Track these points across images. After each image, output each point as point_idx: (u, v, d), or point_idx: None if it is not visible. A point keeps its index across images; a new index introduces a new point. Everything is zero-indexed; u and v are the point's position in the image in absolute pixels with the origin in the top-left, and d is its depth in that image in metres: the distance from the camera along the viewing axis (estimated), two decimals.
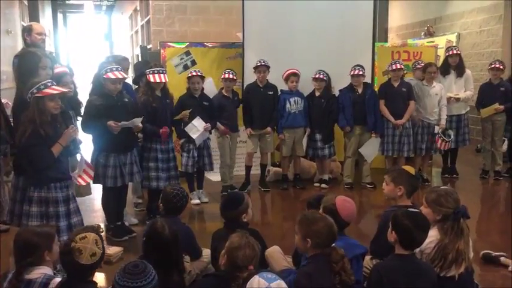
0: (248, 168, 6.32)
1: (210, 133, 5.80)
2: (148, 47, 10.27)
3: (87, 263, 2.34)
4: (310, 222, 2.66)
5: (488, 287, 3.51)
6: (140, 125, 4.52)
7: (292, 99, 6.27)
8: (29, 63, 3.70)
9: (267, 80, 6.22)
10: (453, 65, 6.79)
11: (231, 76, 5.91)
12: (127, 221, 4.88)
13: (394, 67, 6.35)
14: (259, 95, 6.17)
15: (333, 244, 2.62)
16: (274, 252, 3.29)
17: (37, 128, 3.32)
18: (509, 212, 5.65)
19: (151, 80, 4.95)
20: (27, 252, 2.55)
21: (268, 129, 6.25)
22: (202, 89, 5.74)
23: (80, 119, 4.60)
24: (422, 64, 6.70)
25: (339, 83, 6.46)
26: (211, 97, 5.91)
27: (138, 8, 12.82)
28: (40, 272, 2.56)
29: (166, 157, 5.08)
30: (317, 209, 3.11)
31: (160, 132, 4.96)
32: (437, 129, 6.51)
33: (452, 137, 6.58)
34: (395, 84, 6.38)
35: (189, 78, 5.68)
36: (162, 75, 4.98)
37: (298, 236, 2.70)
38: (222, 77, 5.96)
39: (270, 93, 6.22)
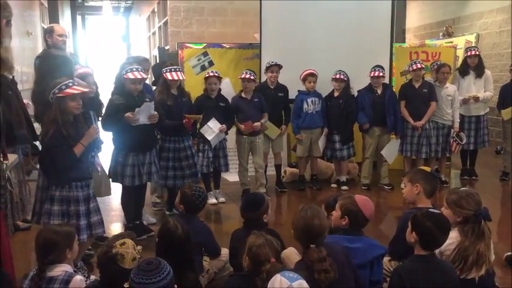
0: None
1: (226, 134, 5.80)
2: (166, 48, 10.33)
3: (130, 267, 2.37)
4: (298, 212, 2.72)
5: None
6: (154, 112, 4.48)
7: (309, 100, 6.25)
8: (54, 65, 3.75)
9: (277, 80, 6.19)
10: (472, 65, 6.71)
11: (247, 76, 5.81)
12: (145, 220, 4.92)
13: (414, 67, 6.29)
14: (269, 97, 6.09)
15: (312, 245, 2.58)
16: (291, 253, 3.29)
17: (59, 128, 3.37)
18: None
19: (168, 77, 5.00)
20: (49, 250, 2.60)
21: (284, 127, 6.25)
22: (219, 90, 5.75)
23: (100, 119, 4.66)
24: (438, 64, 6.62)
25: (357, 84, 6.44)
26: (228, 98, 5.92)
27: (156, 10, 12.91)
28: (61, 269, 2.61)
29: (178, 156, 5.10)
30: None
31: (184, 122, 4.99)
32: (452, 132, 6.45)
33: (464, 139, 6.51)
34: (417, 85, 6.32)
35: (206, 78, 5.69)
36: (178, 73, 5.03)
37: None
38: (240, 76, 5.90)
39: (281, 94, 6.18)
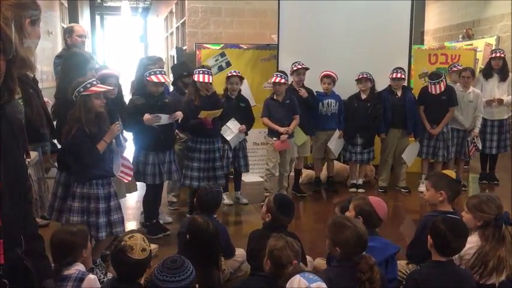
0: None
1: (246, 134, 5.79)
2: (184, 48, 10.38)
3: (140, 257, 2.39)
4: (338, 230, 2.59)
5: None
6: (177, 115, 4.57)
7: (325, 101, 6.20)
8: (76, 63, 3.79)
9: (303, 83, 6.09)
10: (496, 68, 6.61)
11: (278, 79, 5.63)
12: (161, 219, 4.94)
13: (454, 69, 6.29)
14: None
15: (364, 252, 2.55)
16: (320, 264, 3.30)
17: (82, 126, 3.41)
18: None
19: (196, 79, 5.02)
20: (67, 252, 2.63)
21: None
22: (240, 90, 5.74)
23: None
24: (459, 67, 6.53)
25: (376, 86, 6.38)
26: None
27: (174, 10, 13.00)
28: (75, 268, 2.64)
29: (207, 157, 5.11)
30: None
31: (203, 120, 4.97)
32: (471, 137, 6.38)
33: (480, 145, 6.45)
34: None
35: (228, 78, 5.68)
36: (206, 75, 5.00)
37: (328, 242, 2.68)
38: (271, 81, 5.75)
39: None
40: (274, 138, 5.75)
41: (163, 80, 4.50)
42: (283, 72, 5.87)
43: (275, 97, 5.78)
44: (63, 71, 3.91)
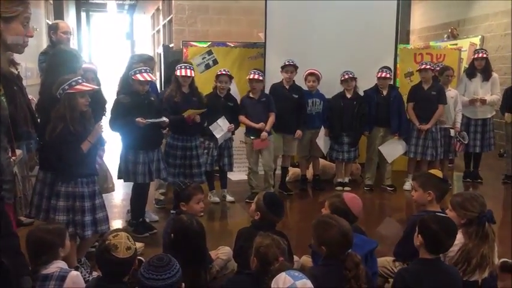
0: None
1: (233, 134, 5.79)
2: (171, 46, 10.33)
3: (124, 256, 2.38)
4: (323, 229, 2.61)
5: None
6: (166, 120, 4.59)
7: (310, 100, 6.22)
8: (63, 60, 3.75)
9: (293, 81, 6.09)
10: (479, 68, 6.69)
11: (255, 76, 5.68)
12: (148, 218, 4.92)
13: (421, 67, 6.27)
14: (282, 97, 5.98)
15: (349, 250, 2.57)
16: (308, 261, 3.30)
17: (67, 124, 3.37)
18: None
19: (178, 73, 5.05)
20: (42, 250, 2.60)
21: (299, 132, 6.07)
22: (229, 89, 5.73)
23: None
24: (427, 66, 6.34)
25: (361, 84, 6.41)
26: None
27: (160, 8, 12.93)
28: (56, 266, 2.60)
29: (184, 154, 5.16)
30: None
31: (186, 117, 5.00)
32: (453, 132, 6.45)
33: (467, 138, 6.50)
34: (426, 87, 6.30)
35: (217, 76, 5.66)
36: (188, 70, 5.07)
37: (314, 241, 2.69)
38: (248, 77, 5.78)
39: (295, 96, 6.02)
40: (252, 137, 5.77)
41: (149, 79, 4.47)
42: (260, 70, 5.88)
43: (251, 95, 5.79)
44: (48, 67, 3.86)
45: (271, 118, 5.78)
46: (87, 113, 3.56)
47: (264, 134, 5.68)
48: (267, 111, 5.79)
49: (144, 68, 4.49)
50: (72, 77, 3.43)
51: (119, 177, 4.62)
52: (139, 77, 4.42)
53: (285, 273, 2.11)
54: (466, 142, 6.51)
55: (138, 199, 4.73)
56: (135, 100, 4.48)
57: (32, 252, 2.60)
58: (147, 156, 4.56)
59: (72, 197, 3.48)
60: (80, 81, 3.45)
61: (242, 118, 5.77)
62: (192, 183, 3.69)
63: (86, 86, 3.47)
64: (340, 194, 3.22)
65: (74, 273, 2.61)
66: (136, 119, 4.38)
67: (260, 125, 5.69)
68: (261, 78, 5.72)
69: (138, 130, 4.43)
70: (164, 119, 4.57)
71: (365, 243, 2.92)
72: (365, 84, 6.40)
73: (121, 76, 4.68)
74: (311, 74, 6.18)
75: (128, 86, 4.55)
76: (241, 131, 6.05)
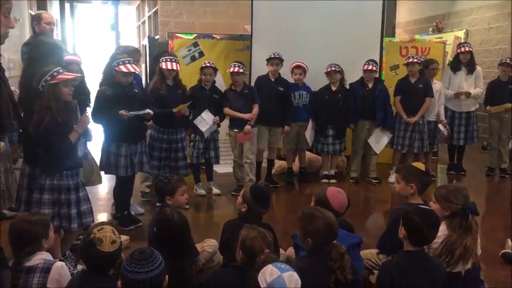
0: (259, 164, 6.18)
1: (219, 126, 5.78)
2: (156, 37, 10.24)
3: (110, 250, 2.37)
4: (308, 221, 2.62)
5: (493, 285, 3.50)
6: (151, 112, 4.53)
7: (297, 93, 6.23)
8: (44, 52, 3.69)
9: (279, 74, 6.08)
10: (464, 61, 6.75)
11: (236, 69, 5.64)
12: (133, 211, 4.90)
13: (408, 61, 6.30)
14: (268, 89, 5.99)
15: (335, 241, 2.58)
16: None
17: (54, 115, 3.33)
18: None
19: (163, 66, 5.02)
20: (26, 241, 2.56)
21: (287, 128, 6.10)
22: (214, 81, 5.70)
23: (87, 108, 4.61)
24: (414, 60, 6.36)
25: (347, 78, 6.42)
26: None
27: None
28: (40, 257, 2.57)
29: (169, 147, 5.14)
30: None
31: (175, 112, 5.00)
32: (441, 126, 6.50)
33: (446, 131, 6.58)
34: (413, 80, 6.33)
35: (201, 69, 5.63)
36: (173, 63, 5.04)
37: (299, 233, 2.69)
38: (228, 70, 5.77)
39: (281, 89, 6.01)
40: (236, 130, 5.75)
41: (132, 70, 4.40)
42: (241, 62, 5.83)
43: (233, 87, 5.76)
44: (30, 59, 3.80)
45: (255, 110, 5.75)
46: (71, 103, 3.52)
47: (247, 128, 5.66)
48: (250, 103, 5.77)
49: (128, 59, 4.42)
50: (53, 68, 3.38)
51: (101, 170, 4.57)
52: (122, 68, 4.35)
53: (271, 265, 2.12)
54: (446, 134, 6.56)
55: (121, 192, 4.70)
56: (118, 92, 4.41)
57: (15, 244, 2.57)
58: (130, 149, 4.51)
59: (58, 190, 3.45)
60: (61, 71, 3.41)
61: (227, 110, 5.74)
62: (174, 176, 3.67)
63: (68, 75, 3.43)
64: (327, 187, 3.21)
65: (58, 263, 2.59)
66: (120, 112, 4.33)
67: (247, 115, 5.67)
68: (241, 70, 5.65)
69: (120, 122, 4.37)
70: (148, 111, 4.52)
71: (347, 237, 2.93)
72: (351, 77, 6.41)
73: (104, 67, 4.60)
74: (298, 66, 6.17)
75: (111, 77, 4.47)
76: (226, 123, 6.03)
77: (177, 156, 5.17)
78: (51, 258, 2.65)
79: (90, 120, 3.68)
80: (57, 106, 3.35)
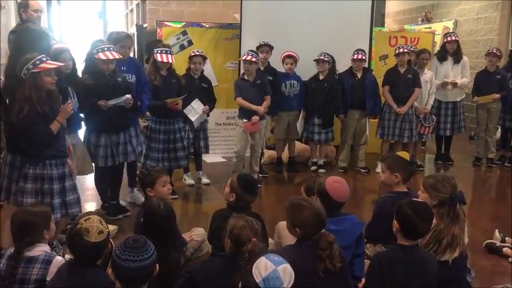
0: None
1: (208, 115, 5.74)
2: (144, 26, 10.13)
3: (96, 240, 2.34)
4: (296, 211, 2.60)
5: (479, 273, 3.54)
6: (129, 97, 4.38)
7: (288, 82, 6.21)
8: (30, 40, 3.63)
9: (269, 62, 6.05)
10: (451, 51, 6.77)
11: (249, 58, 5.45)
12: (135, 200, 4.90)
13: (398, 51, 6.30)
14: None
15: (323, 230, 2.57)
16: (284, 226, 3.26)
17: (34, 105, 3.28)
18: (500, 199, 5.71)
19: (158, 59, 4.95)
20: (27, 232, 2.56)
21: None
22: (203, 70, 5.65)
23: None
24: (404, 49, 6.37)
25: (336, 67, 6.42)
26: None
27: None
28: (41, 249, 2.58)
29: (167, 138, 5.09)
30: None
31: (169, 105, 4.95)
32: (422, 115, 6.53)
33: (434, 121, 6.59)
34: (402, 70, 6.34)
35: (190, 57, 5.58)
36: (169, 55, 4.97)
37: (288, 223, 2.69)
38: (242, 58, 5.62)
39: (269, 78, 5.94)
40: (245, 120, 5.65)
41: (111, 57, 4.26)
42: (254, 51, 5.71)
43: (246, 77, 5.65)
44: (16, 46, 3.73)
45: (266, 101, 5.68)
46: (54, 93, 3.46)
47: (254, 117, 5.58)
48: (263, 94, 5.69)
49: (108, 46, 4.30)
50: (36, 56, 3.32)
51: None
52: (101, 55, 4.23)
53: (265, 258, 2.10)
54: (429, 125, 6.57)
55: (101, 182, 4.65)
56: (99, 81, 4.29)
57: (17, 233, 2.58)
58: (110, 139, 4.43)
59: (41, 180, 3.41)
60: (44, 59, 3.34)
61: (240, 100, 5.61)
62: (155, 166, 3.64)
63: (51, 64, 3.37)
64: (325, 178, 3.12)
65: (59, 258, 2.60)
66: (99, 102, 4.24)
67: (258, 107, 5.58)
68: (254, 59, 5.51)
69: (100, 113, 4.28)
70: (127, 96, 4.35)
71: (355, 228, 2.95)
72: (341, 66, 6.42)
73: (86, 55, 4.47)
74: (289, 56, 6.15)
75: (92, 65, 4.35)
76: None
77: (176, 147, 5.11)
78: (51, 251, 2.67)
79: (72, 110, 3.59)
80: (37, 96, 3.29)
